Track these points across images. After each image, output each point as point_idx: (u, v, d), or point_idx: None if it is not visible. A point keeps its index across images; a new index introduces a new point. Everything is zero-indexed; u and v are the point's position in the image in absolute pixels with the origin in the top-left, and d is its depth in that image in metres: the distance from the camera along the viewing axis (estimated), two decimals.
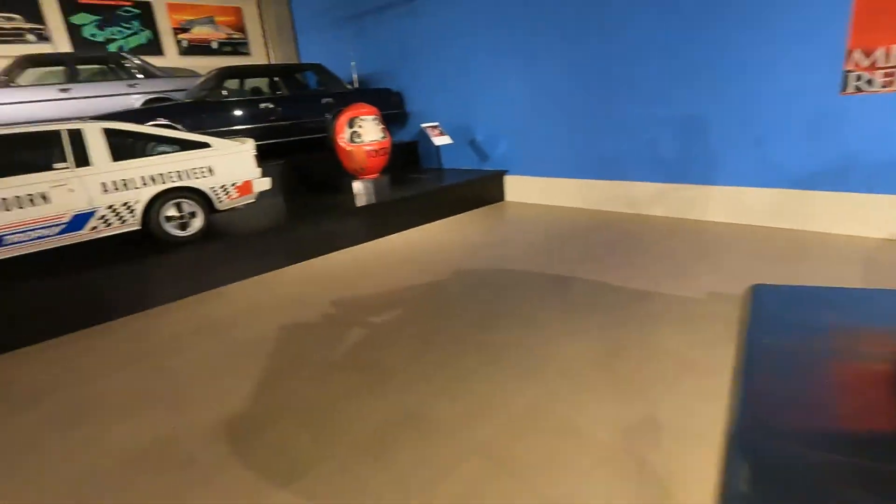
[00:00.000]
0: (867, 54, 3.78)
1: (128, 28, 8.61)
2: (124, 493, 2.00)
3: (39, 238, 3.67)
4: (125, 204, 4.00)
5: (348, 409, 2.41)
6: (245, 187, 4.68)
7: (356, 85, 7.96)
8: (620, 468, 1.87)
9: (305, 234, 5.06)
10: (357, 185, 6.02)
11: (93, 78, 7.13)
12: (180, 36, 9.17)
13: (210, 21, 9.46)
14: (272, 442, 2.23)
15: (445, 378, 2.60)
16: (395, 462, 2.02)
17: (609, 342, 2.80)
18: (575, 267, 4.07)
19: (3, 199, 3.48)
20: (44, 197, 3.63)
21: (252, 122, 6.43)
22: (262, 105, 6.50)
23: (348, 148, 5.84)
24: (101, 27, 8.33)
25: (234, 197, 4.63)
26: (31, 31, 7.75)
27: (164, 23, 8.96)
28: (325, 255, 5.12)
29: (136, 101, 7.00)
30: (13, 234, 3.55)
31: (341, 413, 2.39)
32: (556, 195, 6.41)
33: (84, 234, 3.88)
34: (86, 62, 7.05)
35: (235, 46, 9.85)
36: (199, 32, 9.38)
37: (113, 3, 8.43)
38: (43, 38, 7.83)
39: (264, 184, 4.83)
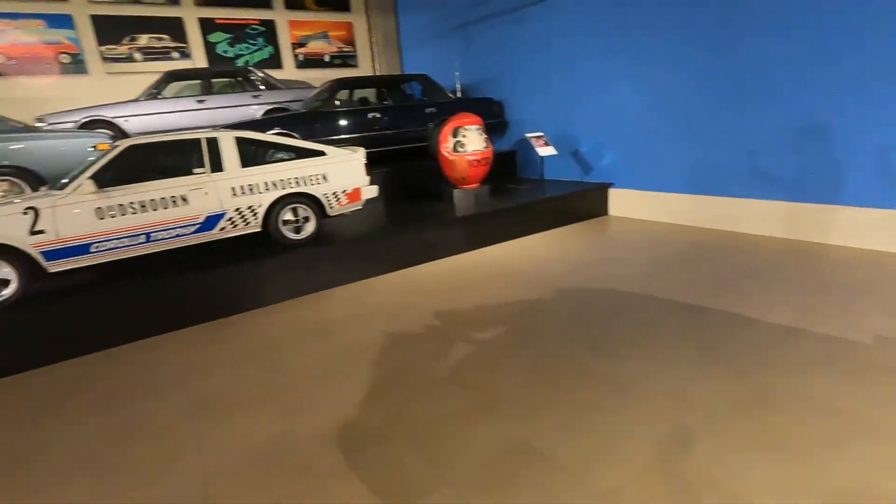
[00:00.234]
0: None
1: (254, 44, 9.40)
2: (246, 495, 2.05)
3: (178, 236, 4.03)
4: (250, 207, 4.28)
5: (459, 433, 2.31)
6: (354, 194, 4.82)
7: (459, 94, 7.99)
8: None
9: (406, 242, 5.11)
10: (458, 195, 6.00)
11: (223, 90, 7.85)
12: (297, 50, 9.84)
13: (324, 36, 10.06)
14: (384, 457, 2.18)
15: (563, 410, 2.41)
16: (515, 501, 1.87)
17: (754, 387, 2.44)
18: (699, 293, 3.68)
19: (152, 199, 3.86)
20: (184, 199, 3.98)
21: (359, 130, 6.67)
22: (370, 115, 6.72)
23: (451, 157, 5.84)
24: (231, 44, 9.17)
25: (343, 203, 4.79)
26: (175, 49, 8.73)
27: (285, 38, 9.67)
28: (425, 264, 5.13)
29: (257, 112, 7.58)
30: (158, 231, 3.92)
31: (452, 436, 2.29)
32: (666, 211, 5.93)
33: (214, 234, 4.20)
34: (218, 76, 7.77)
35: (345, 59, 10.38)
36: (314, 47, 10.01)
37: (242, 21, 9.26)
38: (185, 55, 8.79)
39: (372, 191, 4.95)
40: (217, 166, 4.16)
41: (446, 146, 5.84)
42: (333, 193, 4.69)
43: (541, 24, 7.08)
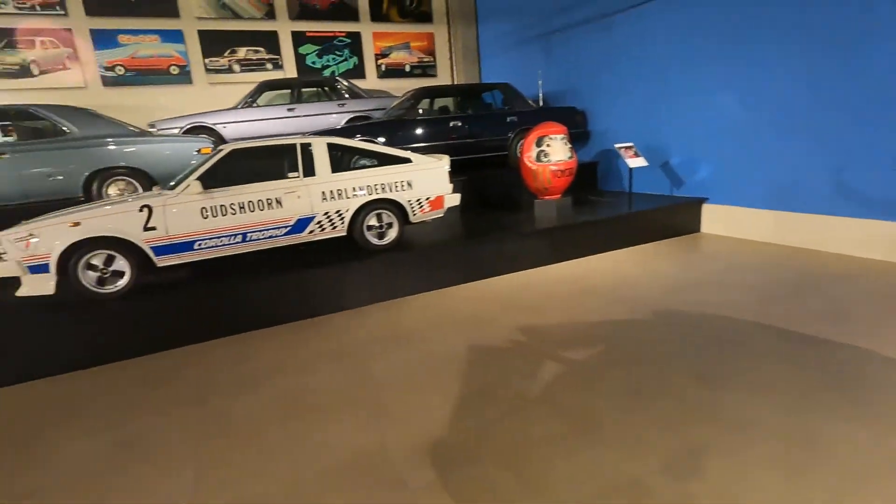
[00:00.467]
0: None
1: (340, 56, 9.79)
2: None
3: (271, 237, 4.18)
4: (338, 211, 4.37)
5: (557, 461, 2.15)
6: (437, 202, 4.80)
7: (541, 103, 7.83)
8: None
9: (485, 252, 5.00)
10: (539, 206, 5.83)
11: (311, 99, 8.20)
12: (380, 61, 10.13)
13: (406, 47, 10.28)
14: (479, 478, 2.07)
15: (671, 446, 2.18)
16: None
17: None
18: (815, 322, 3.27)
19: (250, 201, 4.03)
20: (278, 201, 4.13)
21: (440, 139, 6.69)
22: (451, 123, 6.73)
23: (534, 167, 5.69)
24: (319, 55, 9.60)
25: (426, 211, 4.78)
26: (269, 60, 9.26)
27: (369, 50, 9.99)
28: (505, 275, 5.00)
29: (342, 120, 7.83)
30: (254, 231, 4.09)
31: (549, 464, 2.13)
32: (767, 230, 5.41)
33: (303, 237, 4.32)
34: (308, 85, 8.13)
35: (424, 69, 10.55)
36: (396, 57, 10.25)
37: (330, 34, 9.67)
38: (277, 66, 9.31)
39: (454, 200, 4.91)
40: (309, 171, 4.29)
41: (529, 155, 5.70)
42: (417, 200, 4.69)
43: (629, 31, 6.78)
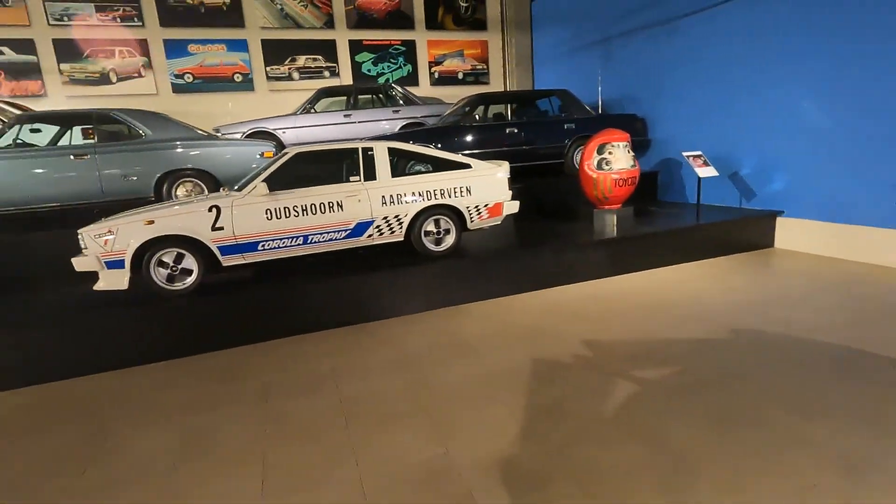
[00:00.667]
0: None
1: (394, 63, 9.91)
2: None
3: (330, 240, 4.20)
4: (396, 216, 4.34)
5: (644, 492, 1.97)
6: (496, 209, 4.70)
7: (600, 110, 7.60)
8: None
9: (543, 262, 4.84)
10: (598, 215, 5.61)
11: (365, 105, 8.32)
12: (434, 68, 10.18)
13: (460, 54, 10.29)
14: None
15: (780, 490, 1.96)
16: None
17: None
18: None
19: (312, 204, 4.06)
20: (339, 205, 4.14)
21: (495, 145, 6.59)
22: (508, 130, 6.62)
23: (594, 175, 5.48)
24: (375, 63, 9.75)
25: (484, 217, 4.68)
26: (326, 68, 9.48)
27: (423, 57, 10.06)
28: (563, 287, 4.82)
29: (396, 126, 7.88)
30: (315, 234, 4.11)
31: (636, 495, 1.96)
32: (851, 247, 4.98)
33: (361, 241, 4.32)
34: (363, 92, 8.25)
35: (477, 76, 10.51)
36: (449, 65, 10.27)
37: (386, 42, 9.81)
38: (334, 73, 9.52)
39: (513, 207, 4.79)
40: (370, 175, 4.29)
41: (590, 163, 5.51)
42: (475, 207, 4.60)
43: (697, 33, 6.48)
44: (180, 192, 5.38)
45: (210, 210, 3.83)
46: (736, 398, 2.61)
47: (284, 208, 4.00)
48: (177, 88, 8.70)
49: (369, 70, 9.73)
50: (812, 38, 5.14)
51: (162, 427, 2.75)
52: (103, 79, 8.32)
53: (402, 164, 4.88)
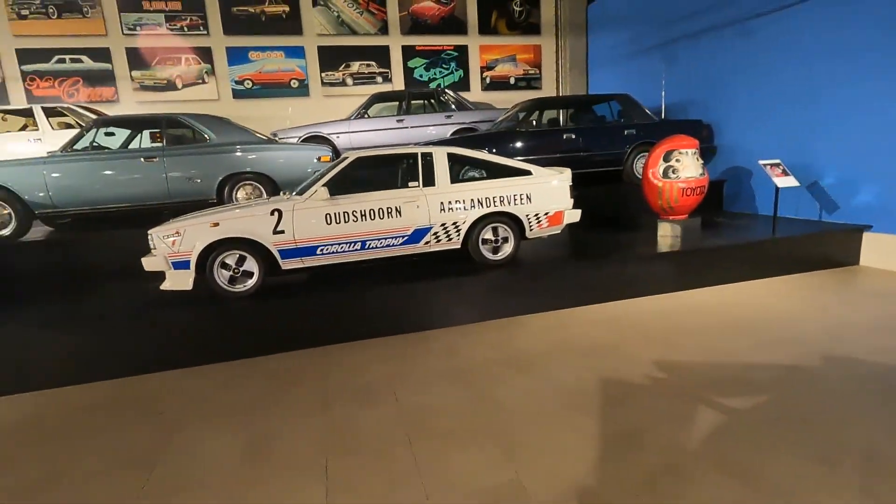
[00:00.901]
0: None
1: (446, 69, 9.88)
2: None
3: (387, 246, 4.15)
4: (454, 223, 4.24)
5: None
6: (556, 217, 4.52)
7: (663, 116, 7.27)
8: None
9: (604, 274, 4.62)
10: (663, 226, 5.32)
11: (417, 110, 8.30)
12: (485, 74, 10.08)
13: (512, 59, 10.16)
14: None
15: None
16: None
17: None
18: None
19: (371, 209, 4.03)
20: (398, 210, 4.08)
21: (551, 151, 6.40)
22: (565, 135, 6.42)
23: (659, 183, 5.20)
24: (427, 69, 9.76)
25: (543, 226, 4.51)
26: (379, 74, 9.57)
27: (475, 62, 9.99)
28: (625, 301, 4.57)
29: (448, 132, 7.82)
30: (372, 239, 4.07)
31: None
32: None
33: (417, 247, 4.24)
34: (417, 97, 8.25)
35: (529, 81, 10.34)
36: (501, 70, 10.15)
37: (438, 48, 9.80)
38: (387, 79, 9.59)
39: (574, 216, 4.60)
40: (429, 181, 4.21)
41: (655, 171, 5.23)
42: (535, 215, 4.44)
43: (771, 32, 6.08)
44: (240, 194, 5.49)
45: (272, 213, 3.86)
46: (840, 435, 2.33)
47: (343, 213, 3.98)
48: (237, 94, 9.00)
49: (421, 76, 9.75)
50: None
51: (226, 430, 2.75)
52: (170, 85, 8.71)
53: (456, 170, 4.79)
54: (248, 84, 9.01)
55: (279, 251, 3.91)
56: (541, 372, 3.22)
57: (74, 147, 5.17)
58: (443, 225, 4.22)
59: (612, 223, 6.29)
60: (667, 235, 5.28)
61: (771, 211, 6.05)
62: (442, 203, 4.19)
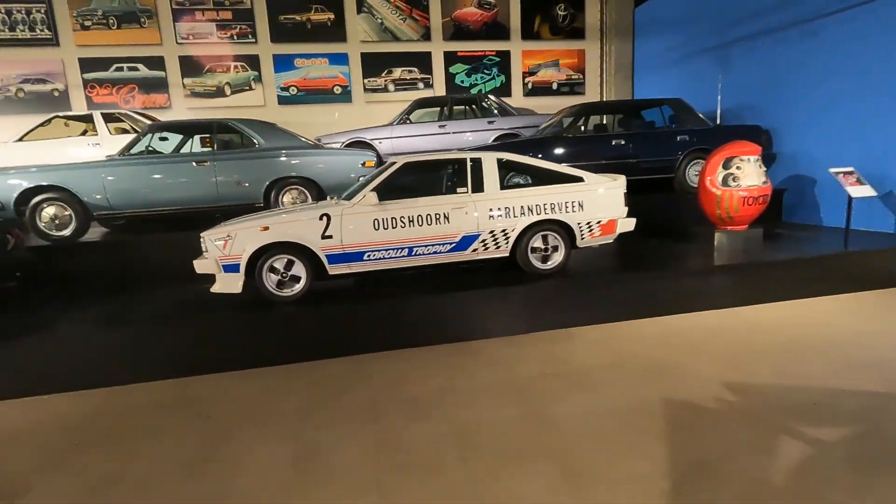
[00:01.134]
0: None
1: (487, 74, 9.80)
2: None
3: (434, 253, 4.06)
4: (503, 230, 4.12)
5: None
6: (609, 226, 4.34)
7: (718, 121, 6.95)
8: None
9: (658, 287, 4.38)
10: (721, 237, 5.04)
11: (459, 116, 8.23)
12: (527, 79, 9.94)
13: (555, 64, 9.98)
14: None
15: None
16: None
17: None
18: None
19: (419, 215, 3.95)
20: (446, 217, 3.99)
21: (599, 158, 6.20)
22: (614, 141, 6.21)
23: (718, 191, 4.93)
24: (468, 74, 9.70)
25: (595, 235, 4.33)
26: (421, 80, 9.57)
27: (517, 68, 9.86)
28: (681, 315, 4.32)
29: (490, 137, 7.71)
30: (419, 246, 3.99)
31: None
32: None
33: (465, 255, 4.14)
34: (460, 103, 8.19)
35: (572, 86, 10.13)
36: (544, 75, 9.99)
37: (480, 54, 9.73)
38: (428, 85, 9.58)
39: (628, 224, 4.41)
40: (478, 187, 4.11)
41: (713, 178, 4.96)
42: (587, 223, 4.27)
43: (832, 35, 5.72)
44: (286, 199, 5.54)
45: (321, 218, 3.84)
46: None
47: (391, 218, 3.92)
48: (282, 100, 9.17)
49: (462, 81, 9.70)
50: None
51: (275, 438, 2.70)
52: (219, 92, 8.96)
53: (502, 176, 4.67)
54: (292, 90, 9.17)
55: (327, 256, 3.88)
56: (598, 389, 3.05)
57: (131, 151, 5.33)
58: (491, 232, 4.11)
59: (662, 233, 6.01)
60: (725, 247, 4.99)
61: (836, 222, 5.68)
62: (491, 210, 4.08)
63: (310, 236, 3.82)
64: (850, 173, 5.11)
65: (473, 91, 9.68)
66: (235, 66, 8.96)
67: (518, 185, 4.39)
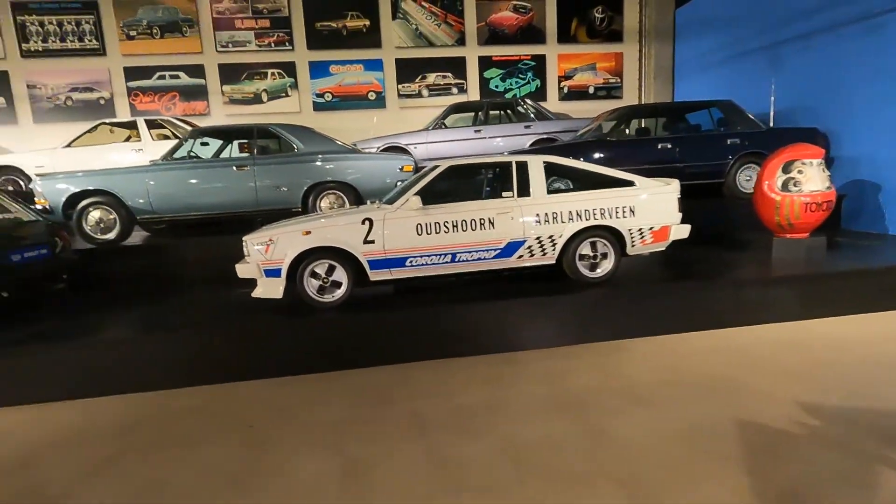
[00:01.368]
0: None
1: (522, 79, 9.65)
2: None
3: (478, 259, 3.92)
4: (550, 236, 3.95)
5: None
6: (662, 233, 4.11)
7: (772, 123, 6.62)
8: None
9: (713, 297, 4.13)
10: (780, 245, 4.74)
11: (493, 121, 8.10)
12: (563, 83, 9.75)
13: (592, 68, 9.76)
14: None
15: None
16: None
17: None
18: None
19: (464, 220, 3.82)
20: (491, 222, 3.85)
21: (643, 162, 5.95)
22: (660, 145, 5.96)
23: (777, 197, 4.64)
24: (503, 79, 9.58)
25: (647, 242, 4.11)
26: (455, 85, 9.49)
27: (552, 72, 9.68)
28: (740, 328, 4.05)
29: (527, 142, 7.54)
30: (463, 252, 3.86)
31: None
32: None
33: (509, 262, 3.98)
34: (496, 107, 8.06)
35: (609, 90, 9.88)
36: (580, 79, 9.78)
37: (515, 58, 9.59)
38: (462, 90, 9.49)
39: (682, 231, 4.17)
40: (524, 191, 3.95)
41: (771, 183, 4.68)
42: (639, 229, 4.06)
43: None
44: (324, 203, 5.49)
45: (364, 223, 3.75)
46: None
47: (435, 223, 3.80)
48: (317, 107, 9.23)
49: (497, 86, 9.57)
50: None
51: (319, 451, 2.59)
52: (256, 98, 9.07)
53: (551, 179, 4.50)
54: (327, 97, 9.22)
55: (368, 261, 3.79)
56: (658, 406, 2.84)
57: (174, 156, 5.38)
58: (538, 238, 3.94)
59: (712, 241, 5.71)
60: (785, 255, 4.69)
61: None
62: (538, 215, 3.91)
63: (352, 241, 3.74)
64: None
65: (508, 96, 9.53)
66: (272, 74, 9.07)
67: (558, 190, 4.22)
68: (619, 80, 9.90)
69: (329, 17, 8.99)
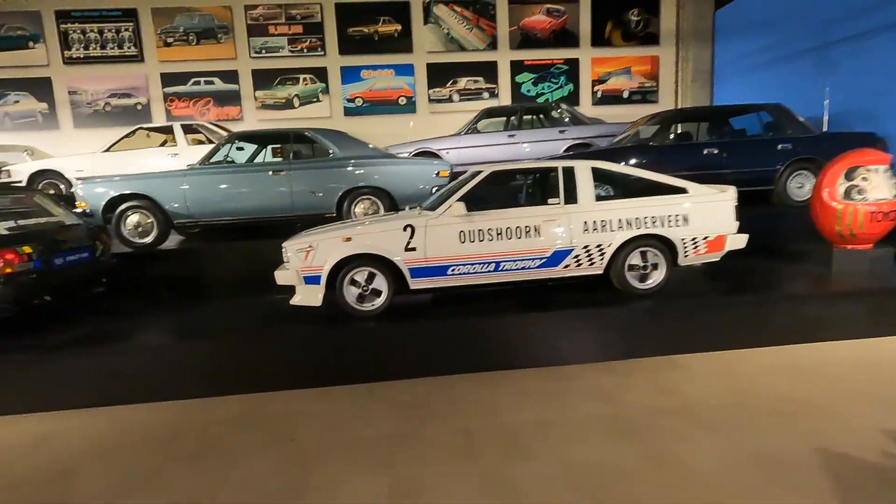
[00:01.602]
0: None
1: (555, 83, 9.48)
2: None
3: (523, 269, 3.77)
4: (599, 245, 3.77)
5: None
6: (717, 243, 3.89)
7: (825, 128, 6.31)
8: None
9: (773, 311, 3.88)
10: (842, 257, 4.45)
11: (526, 125, 7.93)
12: (597, 87, 9.54)
13: (626, 71, 9.53)
14: None
15: None
16: None
17: None
18: None
19: (508, 227, 3.68)
20: (537, 230, 3.70)
21: (687, 169, 5.68)
22: (706, 150, 5.71)
23: (839, 206, 4.36)
24: (535, 83, 9.42)
25: (701, 252, 3.90)
26: (486, 89, 9.37)
27: (586, 76, 9.49)
28: (804, 345, 3.78)
29: (561, 147, 7.36)
30: (507, 261, 3.71)
31: None
32: None
33: (555, 271, 3.82)
34: (530, 112, 7.90)
35: (644, 95, 9.63)
36: (614, 83, 9.56)
37: (548, 62, 9.43)
38: (493, 94, 9.37)
39: (739, 241, 3.94)
40: (571, 197, 3.79)
41: (831, 191, 4.40)
42: (692, 239, 3.85)
43: None
44: (358, 209, 5.41)
45: (405, 229, 3.63)
46: None
47: (479, 231, 3.66)
48: (347, 111, 9.22)
49: (529, 90, 9.42)
50: None
51: (367, 469, 2.47)
52: (288, 103, 9.12)
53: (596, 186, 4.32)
54: (358, 102, 9.21)
55: (409, 269, 3.67)
56: (726, 430, 2.63)
57: (211, 160, 5.38)
58: (585, 247, 3.77)
59: (763, 251, 5.41)
60: (847, 268, 4.40)
61: None
62: (586, 223, 3.74)
63: (393, 248, 3.63)
64: None
65: (540, 100, 9.37)
66: (304, 79, 9.10)
67: (599, 197, 4.04)
68: (654, 84, 9.65)
69: (361, 23, 8.99)
